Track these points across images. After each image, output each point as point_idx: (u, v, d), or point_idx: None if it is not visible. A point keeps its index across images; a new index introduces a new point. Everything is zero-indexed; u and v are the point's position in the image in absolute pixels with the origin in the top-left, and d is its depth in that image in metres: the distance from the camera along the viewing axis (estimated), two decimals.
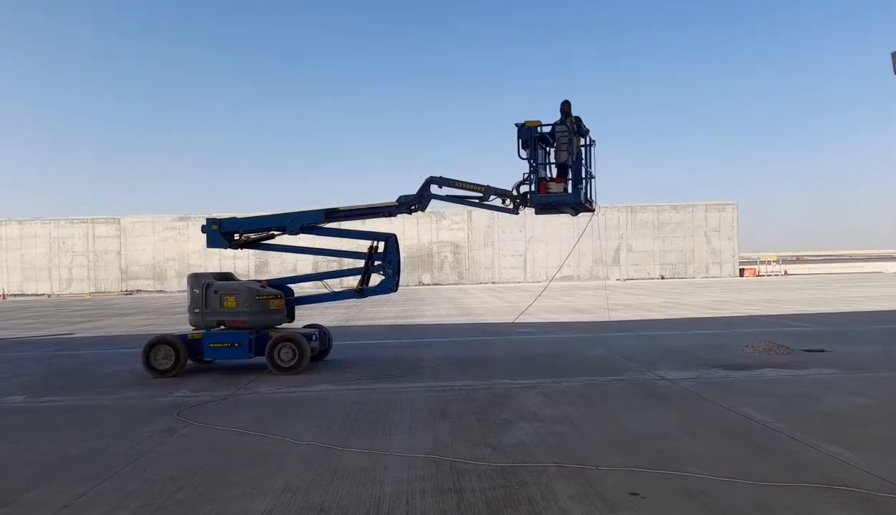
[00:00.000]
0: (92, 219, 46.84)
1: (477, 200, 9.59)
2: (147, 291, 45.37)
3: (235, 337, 9.11)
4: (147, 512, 4.01)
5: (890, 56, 7.39)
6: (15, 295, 44.30)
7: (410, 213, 9.76)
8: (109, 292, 45.07)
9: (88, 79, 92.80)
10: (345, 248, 10.27)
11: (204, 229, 9.81)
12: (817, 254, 71.88)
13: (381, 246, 9.79)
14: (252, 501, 4.14)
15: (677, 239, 47.31)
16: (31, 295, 44.93)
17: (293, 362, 8.95)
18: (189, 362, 9.37)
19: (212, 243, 9.80)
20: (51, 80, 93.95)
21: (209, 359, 9.63)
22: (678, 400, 6.85)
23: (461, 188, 9.47)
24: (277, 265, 44.31)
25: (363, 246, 9.92)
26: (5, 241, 46.18)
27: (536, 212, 9.91)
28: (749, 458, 4.81)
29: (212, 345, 9.17)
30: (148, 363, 9.00)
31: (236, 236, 9.99)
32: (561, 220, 45.20)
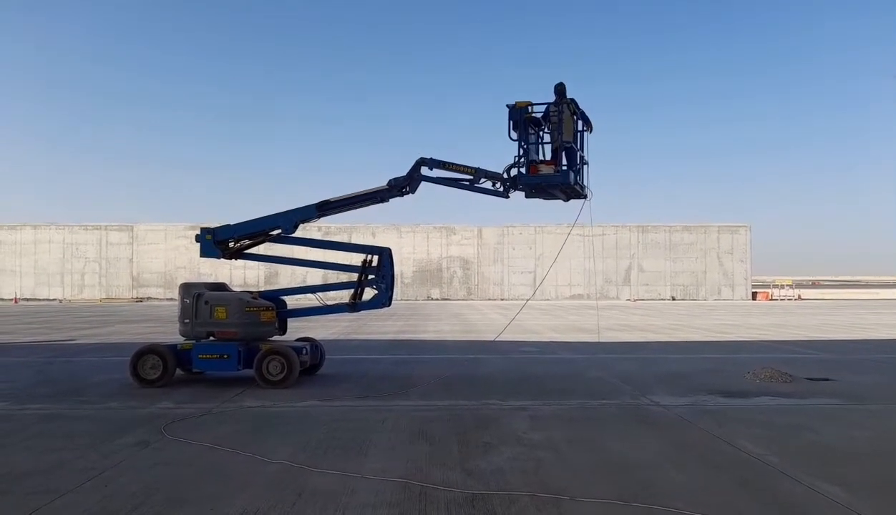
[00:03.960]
0: (105, 226, 47.27)
1: (468, 183, 9.44)
2: (157, 299, 45.57)
3: (225, 349, 8.99)
4: None
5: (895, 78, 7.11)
6: (27, 300, 44.69)
7: (402, 195, 9.57)
8: (120, 299, 45.34)
9: (107, 86, 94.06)
10: (344, 262, 10.10)
11: (198, 238, 9.72)
12: (833, 279, 70.83)
13: (376, 260, 9.65)
14: None
15: (689, 260, 46.83)
16: (43, 299, 45.29)
17: (281, 376, 8.81)
18: (179, 372, 9.28)
19: (205, 253, 9.70)
20: (69, 86, 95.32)
21: (198, 370, 9.51)
22: (669, 428, 6.61)
23: (452, 170, 9.35)
24: (287, 276, 44.36)
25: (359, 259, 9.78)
26: (20, 246, 46.69)
27: (526, 196, 9.63)
28: (734, 494, 4.58)
29: (200, 356, 9.05)
30: (136, 372, 8.90)
31: (231, 243, 9.86)
32: (570, 239, 44.89)
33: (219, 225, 9.78)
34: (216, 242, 9.68)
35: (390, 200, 9.73)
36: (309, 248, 10.63)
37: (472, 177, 9.32)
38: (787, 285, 52.31)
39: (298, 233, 9.91)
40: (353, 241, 40.91)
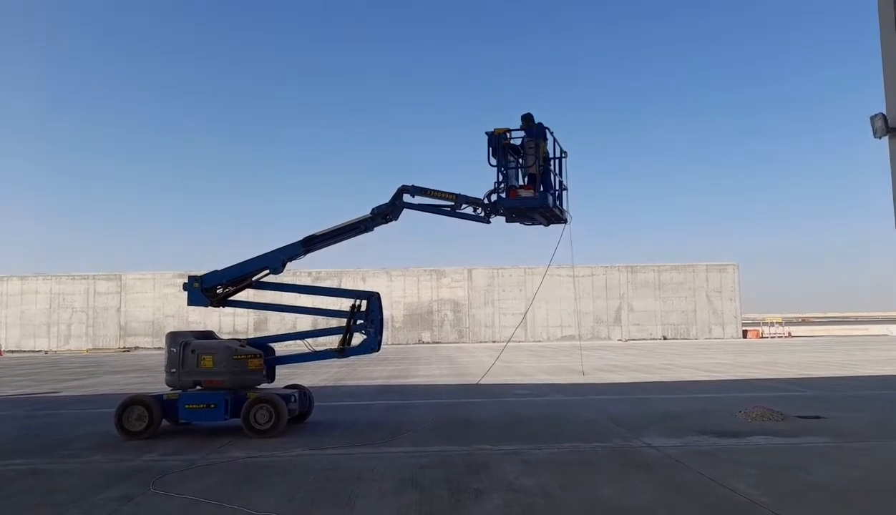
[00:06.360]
0: (93, 276, 47.02)
1: (449, 208, 9.56)
2: (145, 348, 45.02)
3: (212, 398, 8.87)
4: None
5: (869, 120, 7.35)
6: (12, 352, 44.02)
7: (386, 222, 9.67)
8: (107, 349, 44.76)
9: (94, 137, 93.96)
10: (333, 307, 10.07)
11: (185, 287, 9.68)
12: (823, 315, 71.09)
13: (364, 304, 9.64)
14: None
15: (679, 299, 47.04)
16: (29, 351, 44.65)
17: (269, 425, 8.67)
18: (165, 423, 9.12)
19: (193, 301, 9.66)
20: (54, 135, 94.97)
21: (184, 421, 9.35)
22: (662, 470, 6.56)
23: (433, 196, 9.51)
24: (276, 323, 44.05)
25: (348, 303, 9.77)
26: (6, 297, 46.29)
27: (507, 220, 9.78)
28: None
29: (187, 406, 8.91)
30: (120, 424, 8.74)
31: (219, 290, 9.82)
32: (560, 280, 45.05)
33: (206, 272, 9.77)
34: (204, 290, 9.64)
35: (375, 229, 9.82)
36: (298, 294, 10.66)
37: (453, 203, 9.50)
38: (777, 322, 52.50)
39: (288, 279, 9.92)
40: (343, 286, 40.87)
